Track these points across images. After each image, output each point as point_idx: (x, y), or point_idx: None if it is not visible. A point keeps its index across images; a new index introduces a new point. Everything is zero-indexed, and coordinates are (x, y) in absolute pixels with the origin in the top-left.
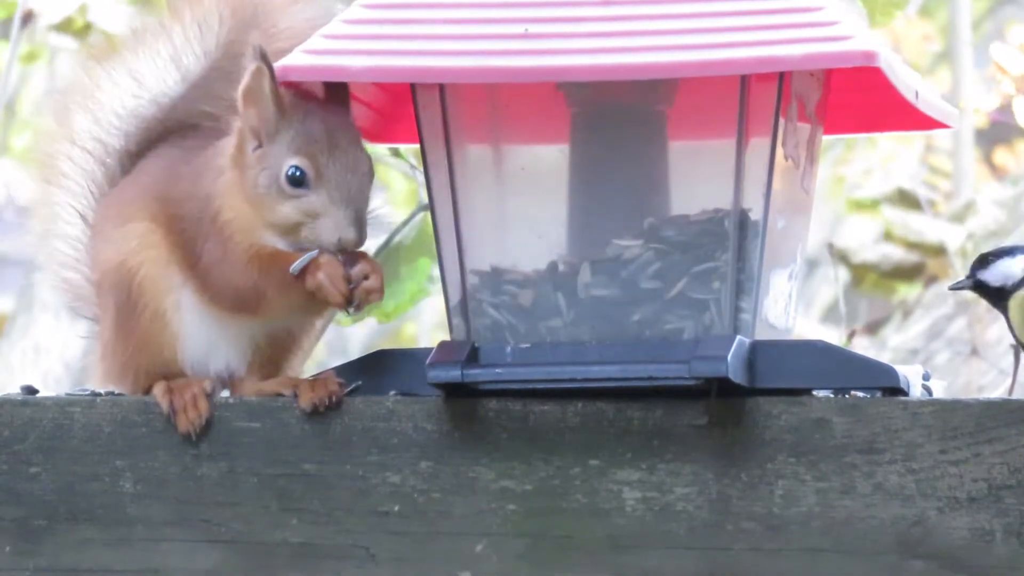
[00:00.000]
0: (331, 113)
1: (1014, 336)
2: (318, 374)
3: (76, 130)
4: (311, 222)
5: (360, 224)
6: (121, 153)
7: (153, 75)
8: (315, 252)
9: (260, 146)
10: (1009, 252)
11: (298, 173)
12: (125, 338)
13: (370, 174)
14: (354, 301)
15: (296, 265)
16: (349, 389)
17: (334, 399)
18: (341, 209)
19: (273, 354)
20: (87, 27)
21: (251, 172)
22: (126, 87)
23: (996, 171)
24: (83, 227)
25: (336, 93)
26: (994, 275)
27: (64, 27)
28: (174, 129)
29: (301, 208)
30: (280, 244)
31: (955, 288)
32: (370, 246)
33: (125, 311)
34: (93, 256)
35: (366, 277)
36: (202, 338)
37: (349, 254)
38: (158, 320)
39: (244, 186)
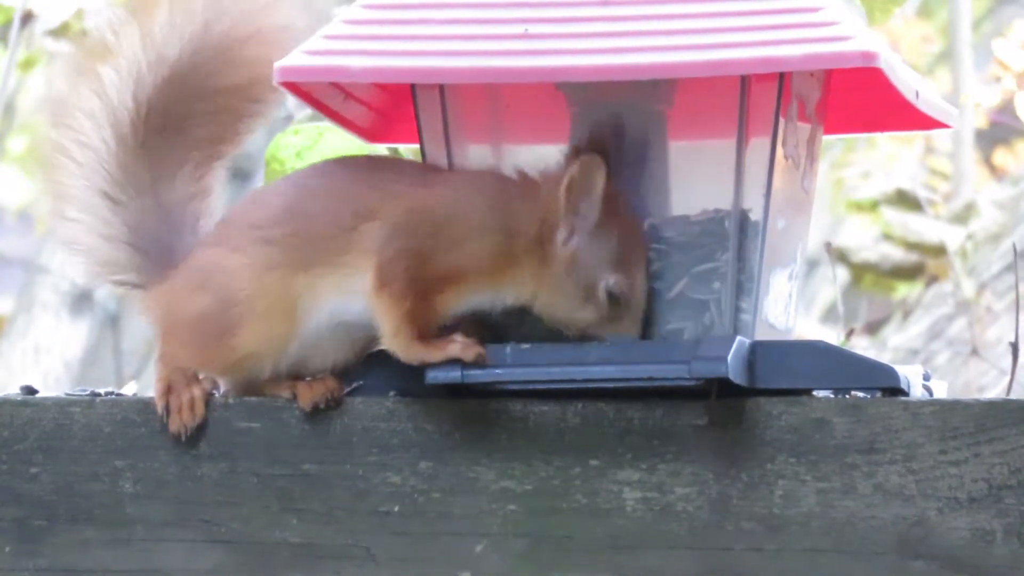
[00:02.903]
0: (635, 221)
1: None
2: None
3: (82, 99)
4: (605, 329)
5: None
6: (133, 114)
7: (151, 32)
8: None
9: (570, 237)
10: None
11: (616, 289)
12: (196, 339)
13: (647, 289)
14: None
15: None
16: (350, 389)
17: (333, 396)
18: (633, 328)
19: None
20: (84, 32)
21: (557, 261)
22: (128, 42)
23: (996, 172)
24: (100, 195)
25: (621, 201)
26: None
27: (61, 32)
28: (192, 100)
29: (600, 318)
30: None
31: None
32: None
33: (208, 322)
34: (209, 246)
35: None
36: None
37: None
38: (231, 357)
39: (544, 267)
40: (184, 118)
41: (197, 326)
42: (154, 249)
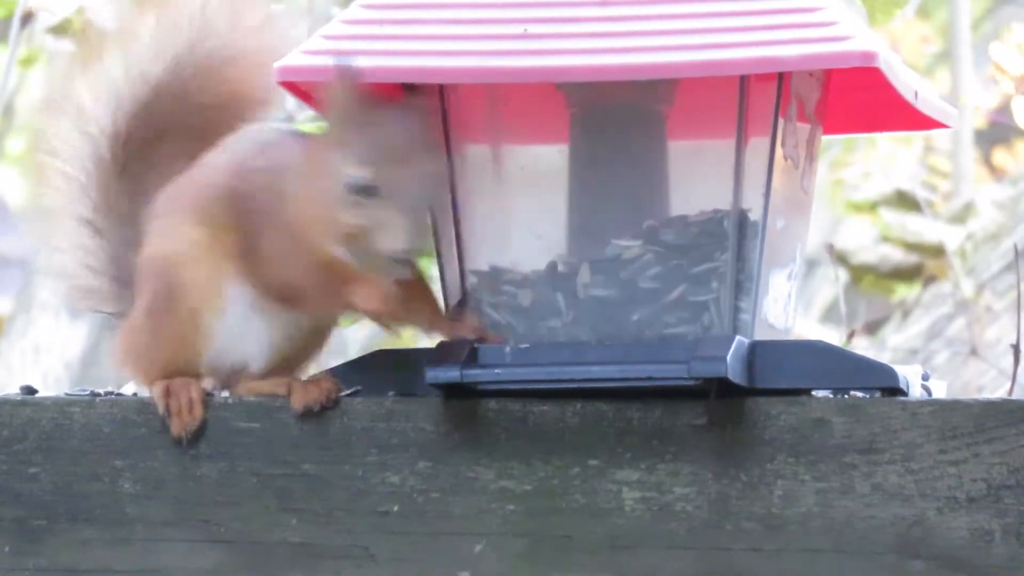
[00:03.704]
0: (404, 119)
1: None
2: (313, 375)
3: (61, 127)
4: (373, 231)
5: (419, 234)
6: (112, 139)
7: (134, 50)
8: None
9: (331, 150)
10: None
11: (362, 182)
12: (153, 327)
13: (435, 181)
14: (396, 323)
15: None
16: (348, 393)
17: (330, 398)
18: (402, 219)
19: (292, 356)
20: (85, 29)
21: (323, 176)
22: (108, 64)
23: (995, 172)
24: (83, 223)
25: (415, 97)
26: None
27: (62, 30)
28: (173, 120)
29: (364, 217)
30: (342, 250)
31: None
32: None
33: (161, 303)
34: (145, 239)
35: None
36: (229, 335)
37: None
38: (191, 319)
39: (316, 189)
40: (164, 138)
41: (146, 325)
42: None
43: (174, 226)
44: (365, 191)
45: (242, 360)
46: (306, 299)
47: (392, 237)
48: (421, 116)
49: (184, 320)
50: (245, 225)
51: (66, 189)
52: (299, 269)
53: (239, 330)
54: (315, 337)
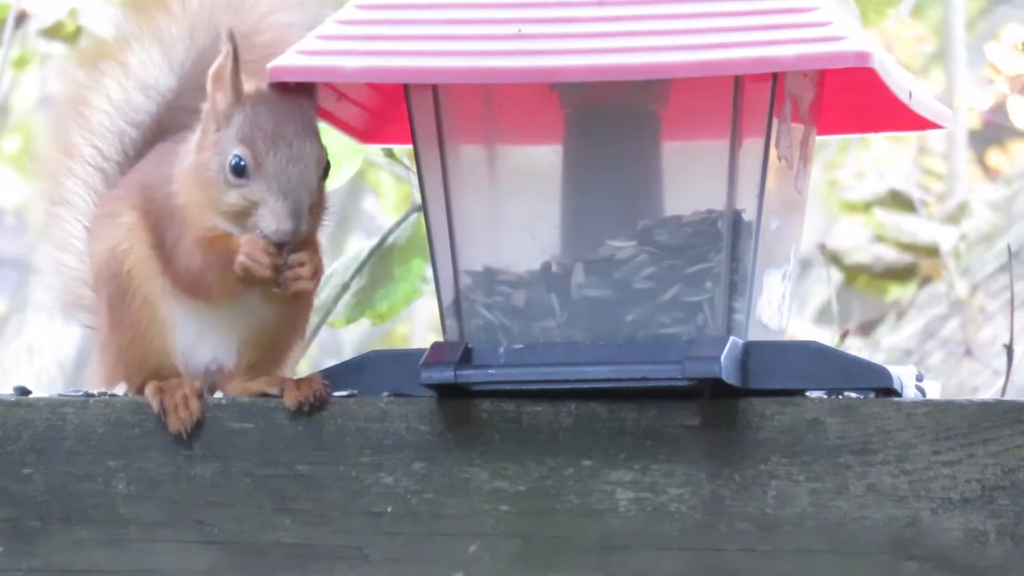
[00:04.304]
0: (287, 102)
1: None
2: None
3: (73, 142)
4: (253, 211)
5: (297, 215)
6: (120, 155)
7: (140, 63)
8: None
9: (219, 130)
10: None
11: (240, 162)
12: (118, 329)
13: (317, 165)
14: (282, 282)
15: None
16: (343, 395)
17: (319, 397)
18: (279, 200)
19: (264, 352)
20: (78, 31)
21: (206, 156)
22: (114, 79)
23: (989, 172)
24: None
25: (303, 83)
26: None
27: (54, 32)
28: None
29: (243, 196)
30: (231, 229)
31: None
32: (363, 247)
33: (117, 301)
34: (89, 254)
35: (301, 264)
36: (190, 328)
37: (298, 243)
38: (147, 307)
39: (200, 170)
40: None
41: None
42: None
43: (108, 222)
44: (242, 171)
45: (214, 358)
46: (207, 284)
47: (269, 218)
48: (306, 98)
49: (139, 306)
50: (155, 218)
51: (70, 217)
52: (194, 252)
53: (190, 326)
54: (287, 335)
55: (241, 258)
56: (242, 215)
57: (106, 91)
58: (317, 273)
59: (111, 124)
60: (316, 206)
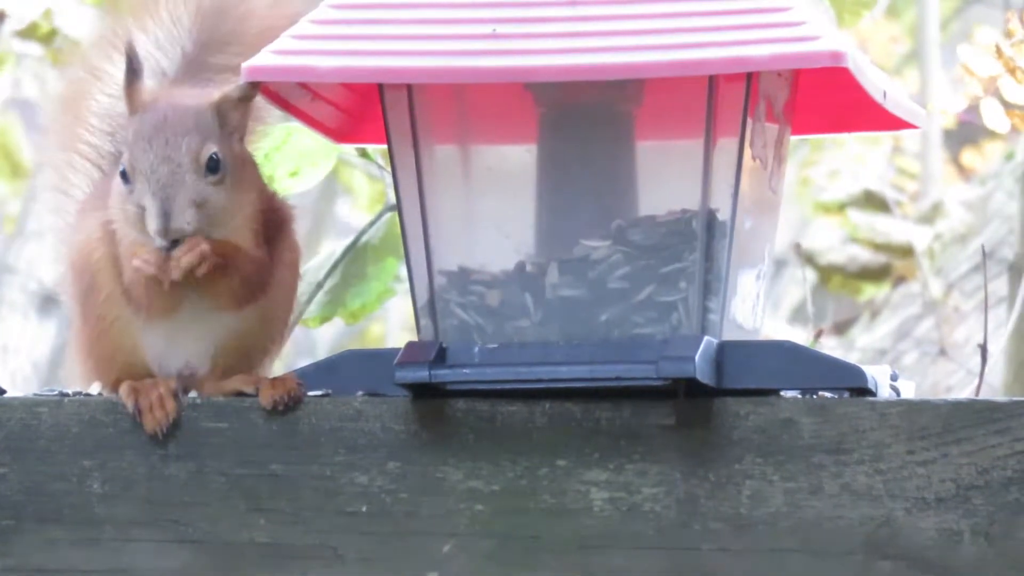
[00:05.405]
0: (179, 106)
1: None
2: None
3: (71, 135)
4: (137, 216)
5: (166, 214)
6: (113, 156)
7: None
8: None
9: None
10: None
11: (124, 169)
12: (87, 322)
13: (194, 160)
14: (171, 274)
15: None
16: (317, 395)
17: (293, 396)
18: (151, 200)
19: (239, 358)
20: (52, 32)
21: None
22: (101, 85)
23: (964, 172)
24: None
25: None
26: None
27: (29, 33)
28: None
29: (132, 202)
30: (145, 238)
31: None
32: (336, 247)
33: (88, 294)
34: (67, 243)
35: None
36: (158, 331)
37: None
38: (112, 304)
39: (115, 185)
40: None
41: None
42: None
43: (80, 220)
44: (126, 177)
45: (187, 363)
46: (139, 298)
47: (148, 220)
48: (191, 103)
49: (106, 304)
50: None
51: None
52: (127, 265)
53: (164, 329)
54: (263, 336)
55: (135, 262)
56: (140, 221)
57: (104, 89)
58: (198, 256)
59: (108, 121)
60: (213, 200)
